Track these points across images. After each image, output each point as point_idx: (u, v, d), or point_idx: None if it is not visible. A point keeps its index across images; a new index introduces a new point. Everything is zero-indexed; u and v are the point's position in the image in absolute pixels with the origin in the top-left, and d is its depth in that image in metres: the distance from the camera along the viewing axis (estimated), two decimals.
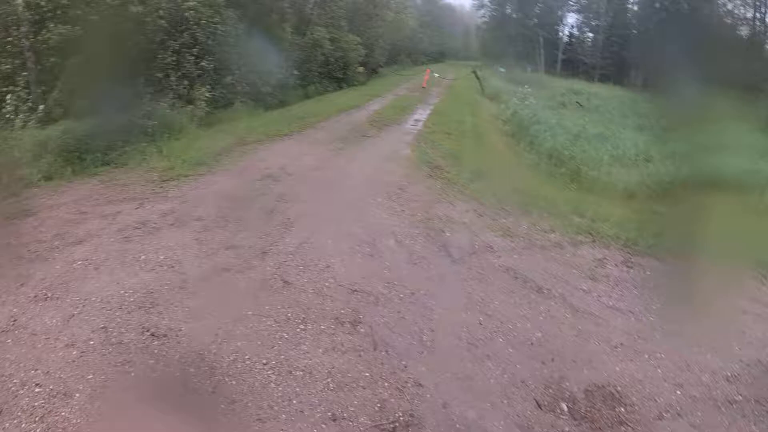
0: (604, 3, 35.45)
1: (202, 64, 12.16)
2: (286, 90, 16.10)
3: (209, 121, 11.31)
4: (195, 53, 12.04)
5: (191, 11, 11.97)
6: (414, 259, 5.36)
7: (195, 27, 12.11)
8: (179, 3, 11.87)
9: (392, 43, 32.38)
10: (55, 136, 7.80)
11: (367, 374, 3.55)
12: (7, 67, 9.11)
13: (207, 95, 11.82)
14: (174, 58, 11.66)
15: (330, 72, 20.41)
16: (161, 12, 11.34)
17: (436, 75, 28.37)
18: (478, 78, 25.96)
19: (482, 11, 43.88)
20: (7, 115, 8.03)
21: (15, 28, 9.23)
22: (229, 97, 13.13)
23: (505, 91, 21.68)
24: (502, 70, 31.12)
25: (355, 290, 4.60)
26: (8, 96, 8.22)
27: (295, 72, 17.25)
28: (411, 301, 4.53)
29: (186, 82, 11.71)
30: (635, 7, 34.67)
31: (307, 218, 6.23)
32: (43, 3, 9.40)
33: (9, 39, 9.17)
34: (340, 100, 17.28)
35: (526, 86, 20.98)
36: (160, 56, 11.43)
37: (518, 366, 3.76)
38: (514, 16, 38.37)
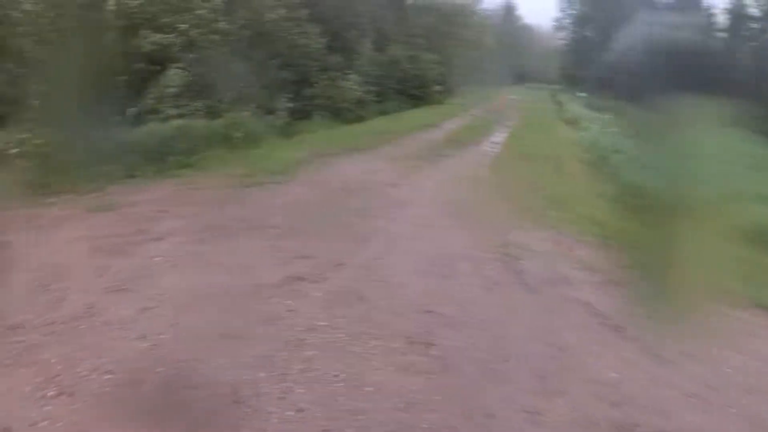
0: (688, 30, 34.11)
1: (283, 75, 12.45)
2: (363, 105, 16.32)
3: (288, 132, 11.57)
4: (277, 64, 12.35)
5: (272, 23, 12.31)
6: (488, 284, 5.23)
7: (277, 39, 12.44)
8: (261, 15, 12.23)
9: (470, 63, 32.30)
10: (140, 137, 8.15)
11: (438, 398, 3.44)
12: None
13: (287, 106, 12.09)
14: (257, 69, 11.98)
15: (407, 90, 20.56)
16: (244, 22, 11.71)
17: (513, 97, 28.11)
18: (556, 102, 25.55)
19: (562, 33, 43.31)
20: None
21: (105, 34, 9.68)
22: (308, 109, 13.40)
23: (584, 118, 21.17)
24: (581, 95, 30.47)
25: (429, 311, 4.50)
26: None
27: (373, 88, 17.45)
28: (484, 327, 4.40)
29: (268, 92, 11.98)
30: (723, 34, 33.25)
31: (382, 234, 6.21)
32: (134, 10, 9.84)
33: (98, 44, 9.63)
34: (416, 117, 17.34)
35: (606, 113, 20.42)
36: (243, 66, 11.77)
37: (589, 406, 3.57)
38: (595, 39, 37.51)
